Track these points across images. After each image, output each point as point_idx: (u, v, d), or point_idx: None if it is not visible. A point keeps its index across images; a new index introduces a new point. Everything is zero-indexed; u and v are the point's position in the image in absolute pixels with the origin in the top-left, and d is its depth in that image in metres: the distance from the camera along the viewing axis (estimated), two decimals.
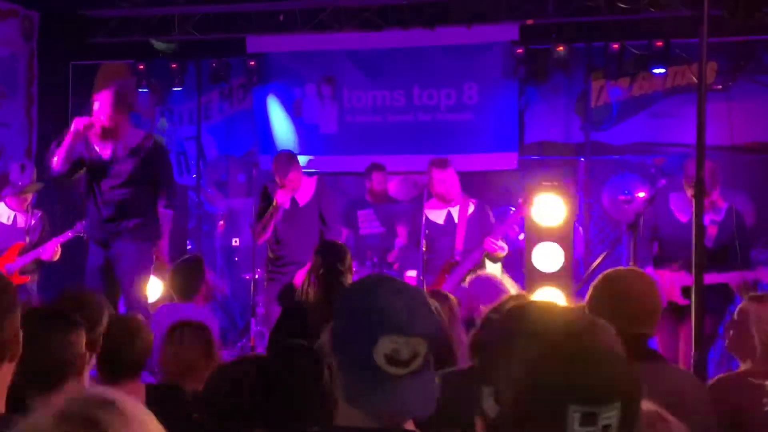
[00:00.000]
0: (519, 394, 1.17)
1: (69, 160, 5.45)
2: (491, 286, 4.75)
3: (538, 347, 1.19)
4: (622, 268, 3.02)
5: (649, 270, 5.35)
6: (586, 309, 2.59)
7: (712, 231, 5.09)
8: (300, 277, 5.88)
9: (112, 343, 2.94)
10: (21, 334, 1.88)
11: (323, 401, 1.91)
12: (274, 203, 5.96)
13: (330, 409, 1.73)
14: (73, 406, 1.16)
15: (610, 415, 1.14)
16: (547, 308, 1.30)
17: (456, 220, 6.00)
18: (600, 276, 2.74)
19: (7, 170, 7.79)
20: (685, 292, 4.98)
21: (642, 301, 2.63)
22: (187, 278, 5.14)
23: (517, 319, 1.28)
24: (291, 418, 2.25)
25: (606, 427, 1.14)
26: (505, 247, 5.97)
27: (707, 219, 5.22)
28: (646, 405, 1.36)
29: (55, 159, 5.44)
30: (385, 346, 1.55)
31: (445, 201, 6.03)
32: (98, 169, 5.61)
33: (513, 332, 1.24)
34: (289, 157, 6.20)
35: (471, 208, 6.05)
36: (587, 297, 2.70)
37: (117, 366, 3.02)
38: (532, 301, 1.33)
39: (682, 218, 5.38)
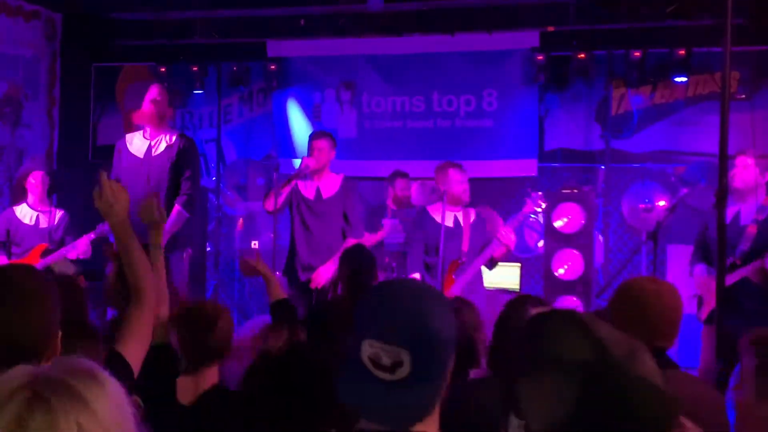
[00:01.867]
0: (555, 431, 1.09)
1: None
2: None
3: (580, 387, 1.09)
4: (642, 277, 2.99)
5: (701, 270, 5.26)
6: (609, 319, 2.56)
7: (751, 230, 5.00)
8: (321, 275, 5.90)
9: (192, 330, 3.02)
10: (59, 334, 1.89)
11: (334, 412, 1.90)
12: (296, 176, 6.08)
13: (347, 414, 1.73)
14: (48, 370, 1.16)
15: None
16: (580, 331, 1.17)
17: (461, 223, 6.04)
18: (619, 285, 2.71)
19: (27, 170, 7.87)
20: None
21: (662, 311, 2.59)
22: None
23: (550, 346, 1.16)
24: (309, 419, 2.24)
25: None
26: (513, 238, 5.92)
27: (749, 218, 5.16)
28: None
29: None
30: (366, 349, 1.55)
31: (459, 203, 6.04)
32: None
33: (547, 363, 1.14)
34: (323, 132, 6.33)
35: (473, 217, 6.09)
36: (607, 307, 2.67)
37: (198, 353, 3.05)
38: (561, 318, 1.21)
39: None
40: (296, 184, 6.09)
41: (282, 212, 6.17)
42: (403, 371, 1.54)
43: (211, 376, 3.07)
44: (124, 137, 6.27)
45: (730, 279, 4.93)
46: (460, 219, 6.07)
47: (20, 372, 1.15)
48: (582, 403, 1.08)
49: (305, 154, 6.20)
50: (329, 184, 6.11)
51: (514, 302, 3.20)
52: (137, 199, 5.60)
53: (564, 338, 1.16)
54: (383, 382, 1.54)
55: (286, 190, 5.99)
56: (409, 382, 1.54)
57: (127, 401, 1.20)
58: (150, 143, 6.10)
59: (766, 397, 1.74)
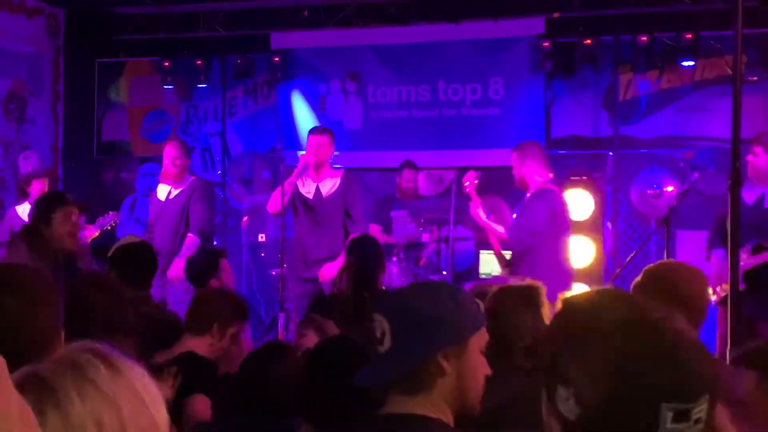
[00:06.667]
0: (605, 394, 1.11)
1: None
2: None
3: (622, 343, 1.12)
4: (666, 261, 2.94)
5: (720, 254, 5.21)
6: None
7: None
8: (327, 271, 5.89)
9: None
10: (62, 331, 1.87)
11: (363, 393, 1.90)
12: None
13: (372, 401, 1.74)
14: (67, 352, 1.17)
15: (701, 409, 1.11)
16: (616, 298, 1.23)
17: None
18: (647, 269, 2.67)
19: (27, 177, 7.86)
20: (745, 276, 4.76)
21: (691, 296, 2.55)
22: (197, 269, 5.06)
23: (587, 313, 1.20)
24: (331, 410, 2.22)
25: (697, 420, 1.11)
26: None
27: None
28: None
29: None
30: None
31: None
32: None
33: (586, 327, 1.17)
34: (323, 128, 6.40)
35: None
36: (631, 292, 2.63)
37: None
38: (595, 292, 1.27)
39: (748, 200, 5.21)
40: (296, 185, 6.08)
41: (287, 212, 6.18)
42: (387, 342, 1.67)
43: None
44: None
45: (758, 259, 4.87)
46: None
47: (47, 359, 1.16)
48: (626, 360, 1.12)
49: None
50: (329, 182, 6.08)
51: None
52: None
53: (604, 305, 1.20)
54: (375, 354, 1.71)
55: (289, 191, 5.99)
56: (389, 354, 1.68)
57: (148, 384, 1.18)
58: (170, 188, 6.62)
59: None
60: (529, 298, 2.62)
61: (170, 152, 6.55)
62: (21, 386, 1.07)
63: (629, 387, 1.11)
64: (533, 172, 5.51)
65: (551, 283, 4.69)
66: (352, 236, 5.85)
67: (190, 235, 6.41)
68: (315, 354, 2.35)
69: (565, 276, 5.36)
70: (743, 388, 1.79)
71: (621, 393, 1.11)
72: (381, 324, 1.68)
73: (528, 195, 5.64)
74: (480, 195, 6.02)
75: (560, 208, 5.45)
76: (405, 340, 1.66)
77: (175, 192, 6.56)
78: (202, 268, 4.73)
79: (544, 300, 2.59)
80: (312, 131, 6.22)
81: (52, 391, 1.11)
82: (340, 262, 5.67)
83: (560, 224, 5.43)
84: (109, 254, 3.94)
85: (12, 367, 1.74)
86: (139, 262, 3.99)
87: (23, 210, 6.62)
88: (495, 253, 5.78)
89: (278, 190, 5.95)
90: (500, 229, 5.66)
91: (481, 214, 5.67)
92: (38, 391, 1.10)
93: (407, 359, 1.66)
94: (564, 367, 1.15)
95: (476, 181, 5.72)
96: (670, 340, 1.13)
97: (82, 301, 2.58)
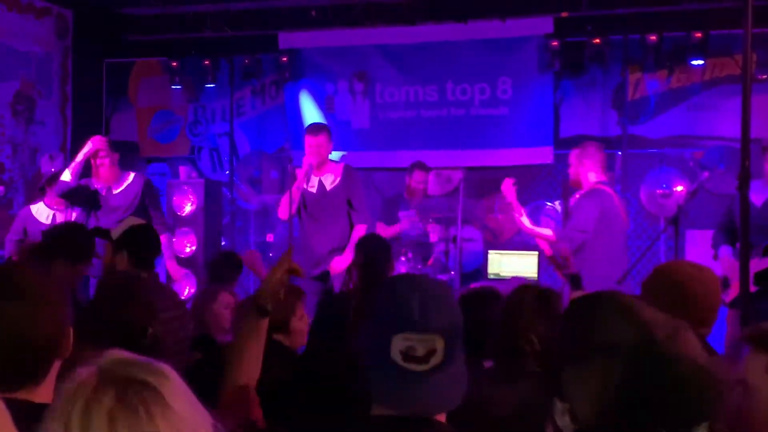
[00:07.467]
0: (601, 415, 1.10)
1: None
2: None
3: (623, 366, 1.10)
4: (676, 261, 2.89)
5: (725, 253, 5.19)
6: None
7: None
8: (337, 265, 5.89)
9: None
10: (71, 331, 1.85)
11: (351, 401, 1.88)
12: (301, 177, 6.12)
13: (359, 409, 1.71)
14: (117, 367, 1.14)
15: None
16: (622, 314, 1.18)
17: None
18: (657, 269, 2.62)
19: (40, 167, 7.85)
20: (757, 278, 4.71)
21: (703, 297, 2.49)
22: (221, 269, 5.15)
23: (590, 330, 1.17)
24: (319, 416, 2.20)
25: None
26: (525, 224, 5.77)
27: None
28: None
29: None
30: (399, 343, 1.56)
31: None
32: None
33: (588, 347, 1.14)
34: (319, 126, 6.31)
35: None
36: (641, 293, 2.59)
37: None
38: (601, 303, 1.22)
39: (757, 201, 5.17)
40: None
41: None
42: (437, 358, 1.56)
43: None
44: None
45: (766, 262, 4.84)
46: None
47: (88, 374, 1.13)
48: (626, 385, 1.09)
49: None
50: (330, 175, 6.13)
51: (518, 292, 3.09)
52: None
53: (609, 323, 1.16)
54: (416, 373, 1.55)
55: (297, 196, 6.00)
56: (443, 368, 1.56)
57: (192, 393, 1.18)
58: (108, 185, 6.33)
59: None
60: (543, 301, 2.59)
61: (95, 150, 6.26)
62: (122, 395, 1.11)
63: (627, 410, 1.09)
64: (588, 172, 5.51)
65: (606, 279, 4.70)
66: (356, 227, 5.92)
67: (164, 236, 6.21)
68: (301, 359, 2.34)
69: (620, 271, 5.32)
70: (748, 369, 1.73)
71: (618, 415, 1.09)
72: (430, 343, 1.56)
73: (577, 195, 5.62)
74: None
75: (613, 208, 5.44)
76: (455, 350, 1.59)
77: (117, 189, 6.31)
78: (228, 266, 4.83)
79: (560, 306, 2.55)
80: (308, 131, 6.18)
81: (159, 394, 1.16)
82: (348, 254, 5.71)
83: (613, 223, 5.40)
84: (114, 237, 3.93)
85: (14, 373, 1.74)
86: (148, 243, 4.06)
87: (37, 210, 6.62)
88: (547, 256, 5.74)
89: (286, 196, 5.95)
90: (548, 231, 5.64)
91: (526, 222, 5.61)
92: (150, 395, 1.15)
93: (461, 368, 1.61)
94: (563, 382, 1.14)
95: (515, 187, 5.65)
96: (673, 365, 1.10)
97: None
